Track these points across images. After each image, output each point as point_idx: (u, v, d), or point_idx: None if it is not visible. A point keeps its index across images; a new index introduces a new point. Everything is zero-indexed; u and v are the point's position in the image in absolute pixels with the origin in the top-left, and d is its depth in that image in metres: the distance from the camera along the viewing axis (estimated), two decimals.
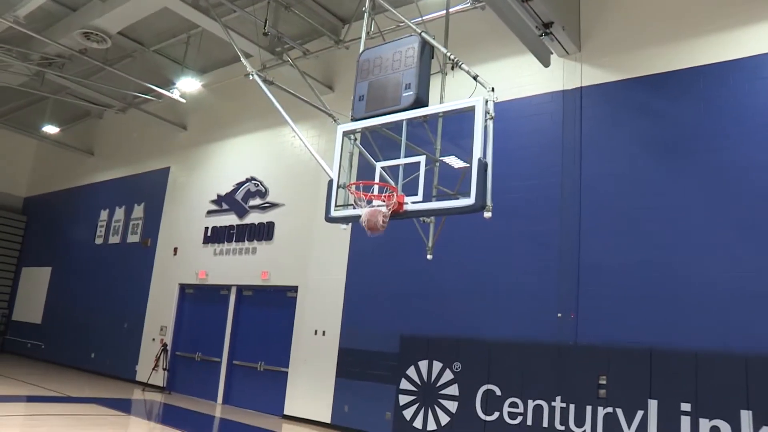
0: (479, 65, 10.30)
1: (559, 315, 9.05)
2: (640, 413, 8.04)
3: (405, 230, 8.37)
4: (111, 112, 17.69)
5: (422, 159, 6.25)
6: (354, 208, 6.32)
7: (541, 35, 9.32)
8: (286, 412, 11.95)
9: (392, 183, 6.41)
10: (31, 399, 11.92)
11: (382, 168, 6.63)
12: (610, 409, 8.28)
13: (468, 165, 5.92)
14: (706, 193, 8.34)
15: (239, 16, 11.85)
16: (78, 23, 12.15)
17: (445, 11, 8.90)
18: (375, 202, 6.14)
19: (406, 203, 6.08)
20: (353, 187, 6.41)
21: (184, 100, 14.92)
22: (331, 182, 6.88)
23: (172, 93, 14.51)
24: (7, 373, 15.77)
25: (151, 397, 13.51)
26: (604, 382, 8.44)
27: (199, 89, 14.82)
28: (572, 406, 8.60)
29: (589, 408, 8.45)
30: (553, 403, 8.77)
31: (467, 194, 5.74)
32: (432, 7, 10.03)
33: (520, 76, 10.36)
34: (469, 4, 9.59)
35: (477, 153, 5.75)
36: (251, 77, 9.53)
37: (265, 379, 12.66)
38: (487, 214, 5.74)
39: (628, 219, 8.86)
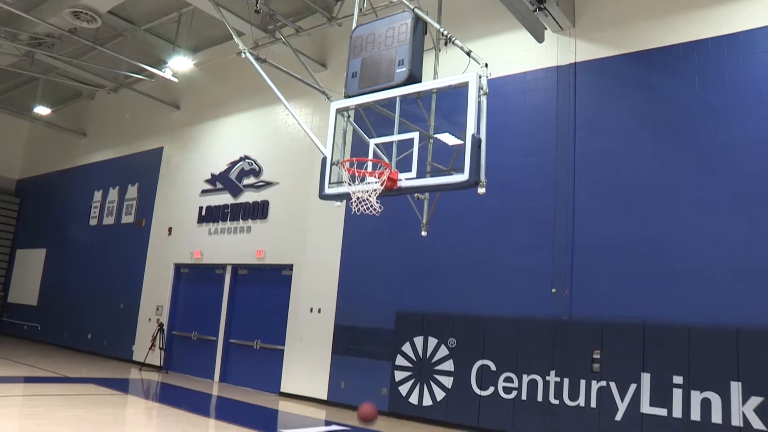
0: (473, 41, 10.26)
1: (554, 291, 9.12)
2: (633, 386, 8.14)
3: (400, 208, 8.39)
4: (103, 92, 17.53)
5: (416, 135, 6.25)
6: (348, 185, 6.32)
7: (535, 10, 9.27)
8: (282, 390, 12.04)
9: (386, 160, 6.41)
10: (29, 380, 11.97)
11: (376, 145, 6.63)
12: (603, 383, 8.38)
13: (462, 142, 5.92)
14: (700, 168, 8.37)
15: None
16: (67, 2, 12.00)
17: None
18: (368, 179, 6.15)
19: (400, 179, 6.09)
20: (346, 163, 6.40)
21: (176, 80, 14.80)
22: (324, 159, 6.88)
23: (164, 72, 14.39)
24: (4, 355, 15.81)
25: (149, 377, 13.58)
26: (598, 356, 8.53)
27: (191, 68, 14.70)
28: (566, 381, 8.69)
29: (583, 382, 8.54)
30: (547, 378, 8.86)
31: (461, 170, 5.75)
32: None
33: (514, 52, 10.31)
34: None
35: (470, 129, 5.75)
36: (243, 56, 9.45)
37: (262, 357, 12.74)
38: (481, 190, 5.75)
39: (623, 195, 8.89)
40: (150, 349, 14.59)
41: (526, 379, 9.05)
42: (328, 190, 6.80)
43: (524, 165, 9.79)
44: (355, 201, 6.08)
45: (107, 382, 11.96)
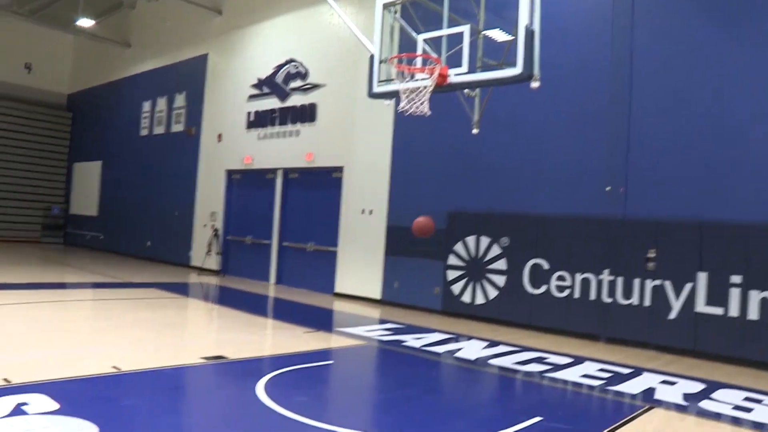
0: None
1: (608, 189, 8.88)
2: (688, 286, 8.02)
3: (450, 106, 8.16)
4: (143, 0, 17.30)
5: (466, 29, 5.95)
6: (398, 82, 6.12)
7: None
8: (336, 290, 12.33)
9: (436, 56, 6.16)
10: (97, 285, 12.54)
11: (424, 41, 6.36)
12: (658, 282, 8.27)
13: (513, 38, 5.62)
14: (763, 62, 7.81)
15: None
16: None
17: None
18: (417, 75, 5.94)
19: (450, 75, 5.86)
20: (395, 60, 6.18)
21: None
22: (372, 57, 6.66)
23: None
24: (72, 263, 16.59)
25: (207, 281, 14.08)
26: (653, 255, 8.37)
27: None
28: (620, 279, 8.62)
29: (637, 281, 8.45)
30: (600, 276, 8.79)
31: (513, 64, 5.48)
32: None
33: None
34: None
35: (523, 20, 5.44)
36: None
37: (315, 259, 13.00)
38: (535, 84, 5.51)
39: (680, 90, 8.44)
40: (207, 254, 15.04)
41: (579, 277, 9.01)
42: (377, 89, 6.63)
43: (579, 60, 9.34)
44: (404, 99, 5.90)
45: (168, 287, 12.44)
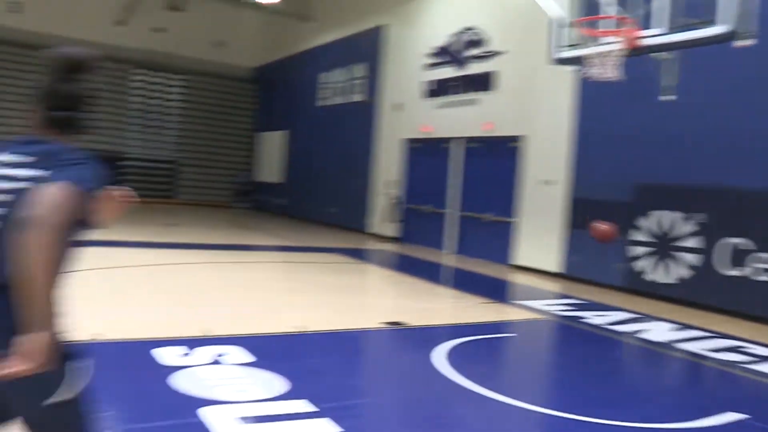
0: None
1: None
2: None
3: (638, 69, 7.59)
4: None
5: None
6: (585, 47, 5.80)
7: None
8: (513, 262, 12.15)
9: (624, 16, 5.74)
10: (282, 248, 13.43)
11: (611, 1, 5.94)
12: None
13: None
14: None
15: None
16: None
17: None
18: (605, 39, 5.57)
19: (642, 37, 5.43)
20: (581, 23, 5.85)
21: None
22: (554, 21, 6.36)
23: None
24: (259, 227, 17.90)
25: (385, 248, 14.51)
26: None
27: None
28: None
29: None
30: None
31: (718, 21, 4.94)
32: None
33: None
34: None
35: None
36: None
37: (492, 230, 12.87)
38: (745, 42, 4.93)
39: None
40: (386, 221, 15.48)
41: None
42: (560, 55, 6.33)
43: None
44: (592, 65, 5.58)
45: (349, 252, 13.00)
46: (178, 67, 23.16)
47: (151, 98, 23.18)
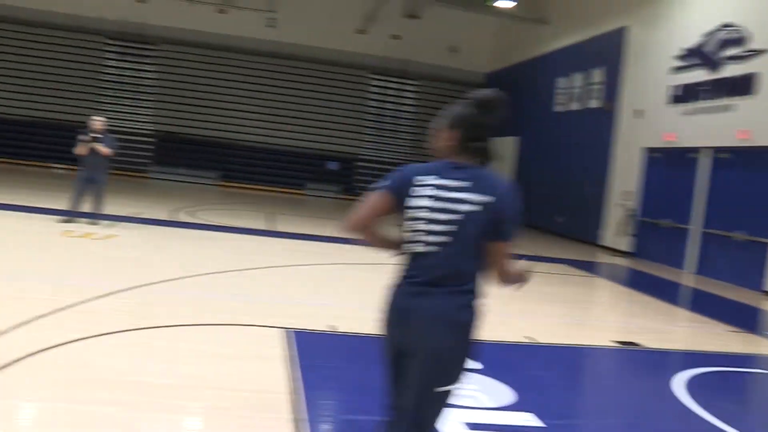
0: None
1: None
2: None
3: None
4: None
5: None
6: None
7: None
8: (766, 288, 10.73)
9: None
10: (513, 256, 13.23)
11: None
12: None
13: None
14: None
15: None
16: None
17: None
18: None
19: None
20: None
21: None
22: None
23: None
24: None
25: (617, 262, 13.66)
26: None
27: None
28: None
29: None
30: None
31: None
32: None
33: None
34: None
35: None
36: None
37: (743, 250, 11.49)
38: None
39: None
40: (620, 234, 14.57)
41: None
42: None
43: None
44: None
45: (577, 264, 12.42)
46: (412, 72, 24.08)
47: (387, 102, 24.33)
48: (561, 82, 18.84)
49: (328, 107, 23.71)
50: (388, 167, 19.73)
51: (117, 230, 9.74)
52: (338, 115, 23.82)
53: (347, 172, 24.04)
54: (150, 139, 22.80)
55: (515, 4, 19.53)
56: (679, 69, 13.59)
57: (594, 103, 16.93)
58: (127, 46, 22.77)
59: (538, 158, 19.73)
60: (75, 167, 10.81)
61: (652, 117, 14.36)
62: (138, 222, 10.94)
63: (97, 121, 10.04)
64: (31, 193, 14.18)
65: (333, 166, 23.64)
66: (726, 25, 12.38)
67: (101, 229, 9.59)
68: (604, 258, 14.08)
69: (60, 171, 19.72)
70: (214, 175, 22.75)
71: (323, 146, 23.76)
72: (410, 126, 24.43)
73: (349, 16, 22.92)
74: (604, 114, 16.27)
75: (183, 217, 12.75)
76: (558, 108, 18.95)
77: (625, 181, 15.10)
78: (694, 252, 12.76)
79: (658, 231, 13.86)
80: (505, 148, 22.03)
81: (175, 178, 22.24)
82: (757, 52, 11.54)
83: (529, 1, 20.54)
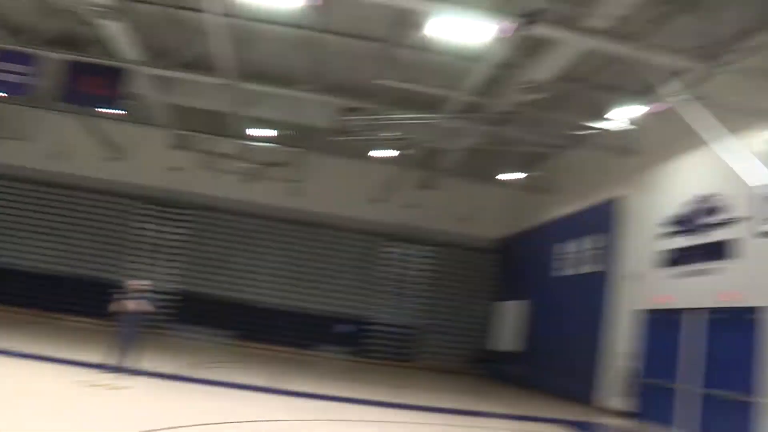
0: None
1: None
2: None
3: None
4: (560, 152, 18.81)
5: None
6: None
7: None
8: None
9: None
10: (503, 416, 13.41)
11: None
12: None
13: None
14: None
15: (667, 34, 11.58)
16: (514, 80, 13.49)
17: None
18: None
19: None
20: None
21: (632, 127, 15.05)
22: (760, 193, 6.29)
23: (613, 123, 14.79)
24: (489, 395, 18.01)
25: (617, 423, 13.75)
26: None
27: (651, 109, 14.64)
28: None
29: None
30: None
31: None
32: None
33: None
34: None
35: None
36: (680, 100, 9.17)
37: (738, 410, 11.56)
38: None
39: None
40: (619, 395, 14.73)
41: None
42: (765, 227, 6.17)
43: None
44: None
45: (569, 424, 12.65)
46: (424, 239, 25.28)
47: (398, 267, 25.25)
48: (565, 247, 19.74)
49: (343, 271, 24.75)
50: (398, 329, 20.42)
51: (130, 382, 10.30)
52: (352, 278, 24.80)
53: (359, 334, 24.61)
54: (175, 297, 23.76)
55: (524, 176, 20.86)
56: (667, 235, 14.44)
57: (590, 268, 17.70)
58: (160, 210, 24.53)
59: (543, 321, 20.31)
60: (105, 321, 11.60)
61: (646, 280, 15.01)
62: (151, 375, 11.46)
63: (138, 283, 11.42)
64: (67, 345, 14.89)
65: (345, 328, 24.22)
66: (710, 195, 13.24)
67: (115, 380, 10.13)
68: (604, 419, 14.23)
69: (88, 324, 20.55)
70: (232, 334, 23.27)
71: (336, 309, 24.53)
72: (421, 289, 25.19)
73: (364, 186, 24.39)
74: (600, 277, 16.96)
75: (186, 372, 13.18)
76: (562, 272, 19.71)
77: (622, 341, 15.51)
78: (693, 413, 12.75)
79: (658, 391, 13.91)
80: (514, 310, 22.58)
81: (194, 335, 22.76)
82: (735, 219, 12.24)
83: (536, 173, 21.92)
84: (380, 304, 24.99)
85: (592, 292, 17.18)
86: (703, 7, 11.10)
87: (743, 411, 11.42)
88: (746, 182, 12.07)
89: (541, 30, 10.86)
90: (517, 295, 22.76)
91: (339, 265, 24.76)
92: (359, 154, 21.38)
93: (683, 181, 14.36)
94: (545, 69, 13.18)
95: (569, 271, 18.89)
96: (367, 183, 24.36)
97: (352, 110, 17.41)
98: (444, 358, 24.60)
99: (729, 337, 12.30)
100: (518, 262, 23.28)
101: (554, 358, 18.70)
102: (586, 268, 17.83)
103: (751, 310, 11.59)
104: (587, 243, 18.05)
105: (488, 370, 23.87)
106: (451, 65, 14.73)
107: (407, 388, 16.76)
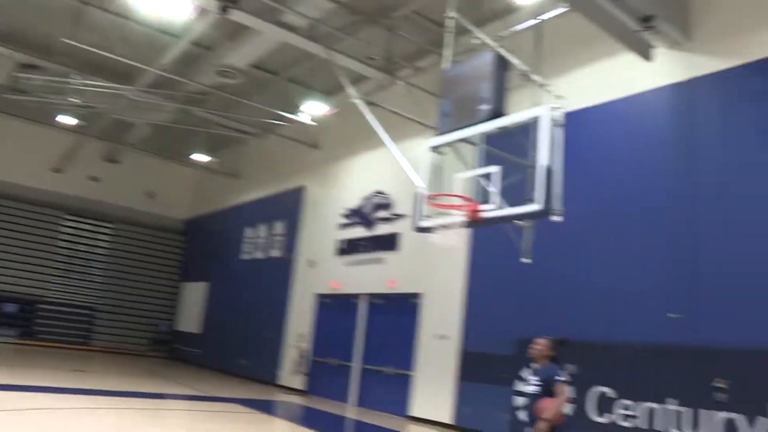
0: (580, 68, 10.28)
1: (672, 315, 8.80)
2: (763, 420, 7.66)
3: (513, 235, 8.58)
4: (251, 137, 19.23)
5: (495, 169, 6.53)
6: (435, 218, 6.73)
7: (642, 30, 9.09)
8: (410, 413, 12.47)
9: (487, 192, 6.72)
10: (187, 397, 13.42)
11: (471, 178, 6.98)
12: (729, 414, 7.96)
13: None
14: None
15: (356, 41, 12.64)
16: (212, 62, 13.55)
17: (531, 22, 9.05)
18: (454, 212, 6.51)
19: (481, 211, 6.39)
20: (431, 198, 6.82)
21: (315, 123, 16.02)
22: (418, 194, 7.34)
23: (300, 117, 15.64)
24: (170, 376, 17.73)
25: (289, 399, 14.60)
26: (722, 385, 8.11)
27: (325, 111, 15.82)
28: (687, 410, 8.35)
29: (704, 412, 8.17)
30: (667, 406, 8.56)
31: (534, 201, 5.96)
32: (523, 17, 10.16)
33: (623, 71, 10.14)
34: (555, 12, 9.57)
35: (543, 160, 5.96)
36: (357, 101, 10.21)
37: (392, 382, 13.26)
38: (556, 218, 5.91)
39: (747, 215, 8.45)
40: (292, 373, 15.67)
41: (644, 406, 8.79)
42: (422, 223, 7.24)
43: (639, 187, 9.57)
44: (438, 234, 6.47)
45: (248, 403, 13.08)
46: (107, 214, 23.59)
47: (77, 243, 23.21)
48: (248, 231, 20.24)
49: (13, 245, 21.86)
50: (72, 310, 18.59)
51: None
52: (24, 255, 22.05)
53: (28, 315, 21.99)
54: None
55: (209, 159, 20.88)
56: (346, 225, 15.75)
57: (275, 253, 18.46)
58: None
59: (226, 303, 20.52)
60: None
61: (323, 266, 16.18)
62: None
63: None
64: None
65: (9, 308, 21.45)
66: (377, 192, 14.83)
67: None
68: (280, 396, 14.93)
69: None
70: None
71: (3, 287, 21.57)
72: (100, 268, 23.53)
73: (45, 154, 21.92)
74: (283, 262, 17.81)
75: None
76: (245, 256, 20.17)
77: (300, 324, 16.49)
78: (355, 386, 14.27)
79: (327, 369, 15.25)
80: (198, 292, 22.45)
81: None
82: (398, 216, 13.98)
83: (225, 156, 22.09)
84: (54, 282, 22.59)
85: (278, 275, 17.91)
86: (386, 24, 12.36)
87: (400, 383, 13.10)
88: (410, 183, 13.89)
89: (238, 17, 10.97)
90: (201, 277, 22.64)
91: (6, 238, 21.70)
92: (42, 118, 19.22)
93: (360, 178, 15.78)
94: (243, 55, 13.38)
95: (258, 255, 19.40)
96: (49, 151, 21.86)
97: (32, 67, 15.57)
98: (125, 340, 23.34)
99: (390, 320, 13.98)
100: (205, 244, 23.16)
101: (239, 340, 19.09)
102: (274, 253, 18.51)
103: (410, 296, 13.34)
104: (276, 228, 18.76)
105: (171, 353, 23.36)
106: (150, 37, 14.14)
107: (85, 372, 15.64)
